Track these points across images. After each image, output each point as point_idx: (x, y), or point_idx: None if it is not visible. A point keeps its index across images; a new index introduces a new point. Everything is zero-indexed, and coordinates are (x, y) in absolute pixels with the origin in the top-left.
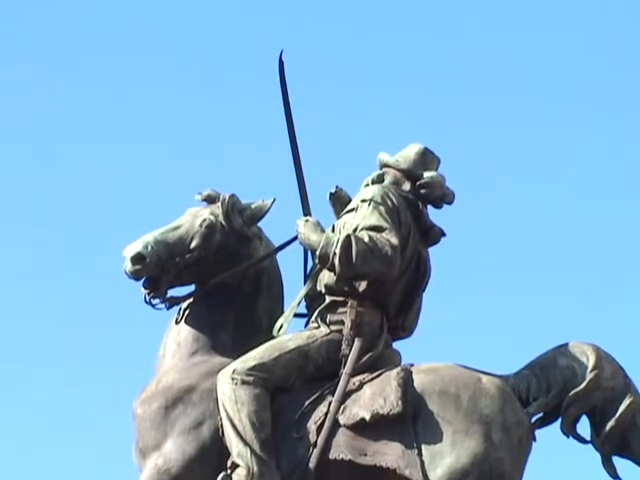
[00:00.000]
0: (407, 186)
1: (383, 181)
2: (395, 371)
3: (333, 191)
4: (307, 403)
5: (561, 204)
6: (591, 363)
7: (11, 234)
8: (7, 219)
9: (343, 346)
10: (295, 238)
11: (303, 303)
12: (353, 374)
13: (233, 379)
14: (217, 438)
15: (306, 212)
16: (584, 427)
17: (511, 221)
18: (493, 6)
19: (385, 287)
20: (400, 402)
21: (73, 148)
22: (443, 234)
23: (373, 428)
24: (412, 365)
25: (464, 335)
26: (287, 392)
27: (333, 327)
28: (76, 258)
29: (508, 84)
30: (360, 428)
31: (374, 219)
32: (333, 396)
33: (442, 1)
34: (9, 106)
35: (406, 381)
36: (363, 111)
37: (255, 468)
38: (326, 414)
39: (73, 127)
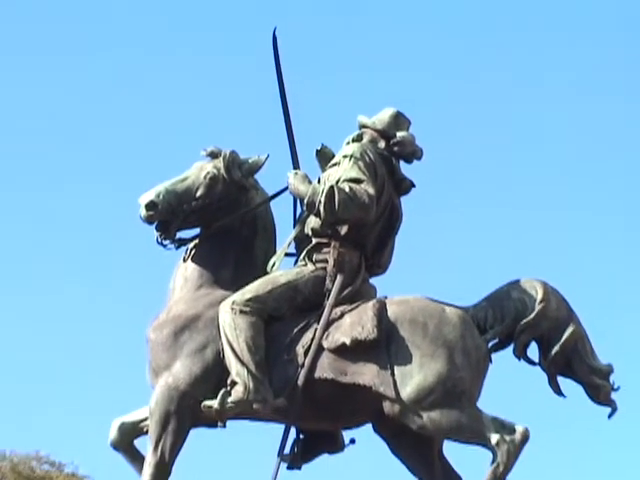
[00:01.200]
0: (382, 144)
1: (362, 140)
2: (371, 303)
3: (319, 148)
4: (296, 330)
5: (511, 158)
6: (539, 296)
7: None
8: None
9: (327, 281)
10: (286, 188)
11: (293, 244)
12: (335, 305)
13: (233, 309)
14: (219, 360)
15: (295, 166)
16: (533, 351)
17: (470, 174)
18: None
19: (363, 230)
20: (375, 329)
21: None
22: (413, 185)
23: (352, 352)
24: (386, 298)
25: (431, 272)
26: (279, 320)
27: (318, 265)
28: (100, 206)
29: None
30: (341, 351)
31: (354, 172)
32: (318, 324)
33: None
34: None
35: (381, 311)
36: (344, 80)
37: (251, 385)
38: (312, 339)
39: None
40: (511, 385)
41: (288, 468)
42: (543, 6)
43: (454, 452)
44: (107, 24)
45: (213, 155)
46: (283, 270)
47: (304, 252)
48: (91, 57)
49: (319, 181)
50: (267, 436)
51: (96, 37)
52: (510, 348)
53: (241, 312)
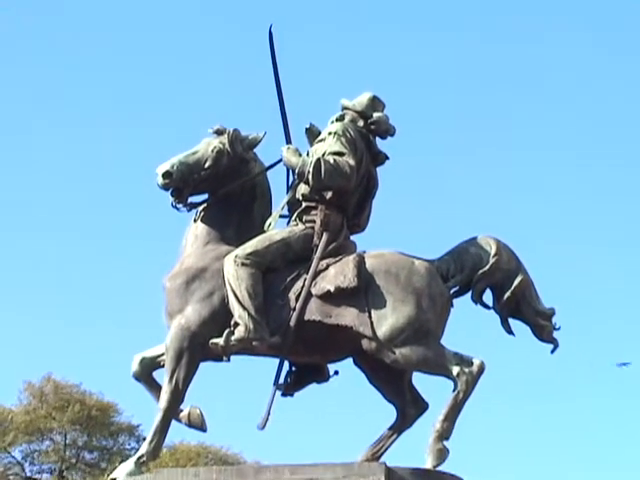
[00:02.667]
0: (361, 123)
1: (344, 119)
2: (352, 256)
3: (308, 127)
4: (288, 279)
5: (478, 135)
6: (493, 251)
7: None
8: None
9: (315, 238)
10: (280, 160)
11: (286, 207)
12: (322, 258)
13: (235, 262)
14: (224, 305)
15: (288, 141)
16: (488, 297)
17: (436, 143)
18: None
19: (345, 196)
20: (355, 278)
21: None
22: (387, 158)
23: (336, 297)
24: (364, 252)
25: (403, 230)
26: (274, 271)
27: (308, 225)
28: (122, 176)
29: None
30: (326, 297)
31: (337, 147)
32: (307, 274)
33: None
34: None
35: (360, 263)
36: (329, 66)
37: (251, 326)
38: (302, 287)
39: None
40: (470, 325)
41: (282, 395)
42: None
43: (421, 382)
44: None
45: (219, 132)
46: (278, 229)
47: (295, 214)
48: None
49: (308, 154)
50: (264, 369)
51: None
52: (469, 294)
53: (242, 264)
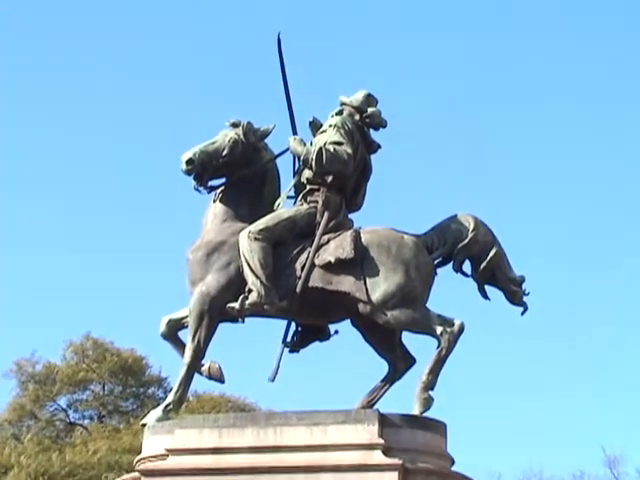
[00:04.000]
0: (357, 117)
1: (342, 114)
2: (350, 231)
3: (311, 120)
4: (295, 252)
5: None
6: (471, 227)
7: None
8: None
9: (317, 216)
10: (287, 149)
11: (292, 190)
12: (323, 234)
13: (249, 236)
14: (239, 274)
15: (294, 133)
16: (467, 267)
17: (420, 138)
18: None
19: (343, 179)
20: (353, 251)
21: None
22: (379, 147)
23: (336, 267)
24: (360, 228)
25: (394, 209)
26: (282, 245)
27: (311, 204)
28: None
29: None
30: (328, 267)
31: (337, 137)
32: (311, 247)
33: None
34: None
35: (356, 238)
36: (329, 67)
37: (262, 292)
38: (307, 259)
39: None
40: (451, 291)
41: (290, 352)
42: None
43: (409, 340)
44: None
45: (234, 125)
46: (286, 208)
47: (301, 195)
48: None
49: (311, 144)
50: (274, 329)
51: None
52: (450, 265)
53: (255, 239)
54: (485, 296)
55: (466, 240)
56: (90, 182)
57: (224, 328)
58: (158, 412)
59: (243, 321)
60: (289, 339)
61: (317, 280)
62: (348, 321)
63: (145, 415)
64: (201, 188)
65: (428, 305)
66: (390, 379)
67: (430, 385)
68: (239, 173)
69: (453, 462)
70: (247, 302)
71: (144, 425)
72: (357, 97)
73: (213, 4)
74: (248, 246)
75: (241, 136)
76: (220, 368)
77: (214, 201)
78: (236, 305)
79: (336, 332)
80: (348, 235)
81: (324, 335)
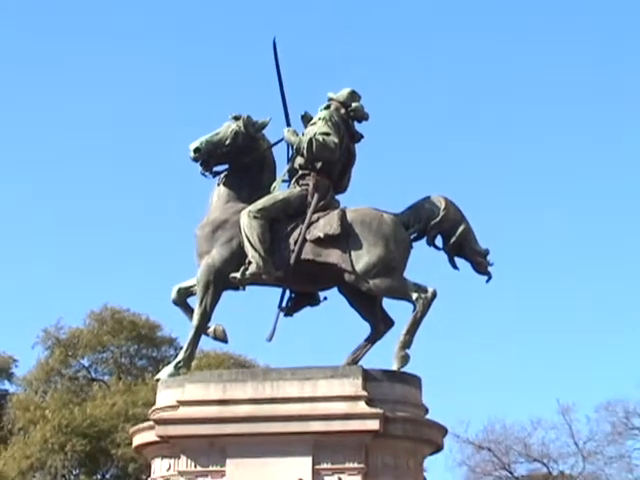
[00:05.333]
0: (343, 111)
1: (330, 108)
2: (336, 211)
3: (303, 114)
4: (289, 228)
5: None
6: (442, 206)
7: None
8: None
9: (308, 197)
10: (282, 139)
11: (287, 175)
12: (314, 213)
13: (249, 215)
14: (240, 248)
15: (288, 125)
16: (439, 242)
17: (399, 128)
18: None
19: (331, 165)
20: (339, 227)
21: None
22: (362, 137)
23: (325, 242)
24: (345, 207)
25: (374, 191)
26: (278, 223)
27: (303, 187)
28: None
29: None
30: (318, 242)
31: (325, 128)
32: (303, 224)
33: None
34: None
35: (342, 216)
36: (319, 66)
37: (261, 263)
38: (299, 234)
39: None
40: (425, 262)
41: (285, 315)
42: None
43: (389, 305)
44: None
45: (236, 118)
46: (281, 191)
47: (294, 179)
48: None
49: (303, 134)
50: (271, 296)
51: None
52: (424, 239)
53: (254, 217)
54: (454, 266)
55: (438, 218)
56: (111, 160)
57: (227, 295)
58: (170, 368)
59: (244, 289)
60: (284, 304)
61: (308, 253)
62: (335, 289)
63: (159, 371)
64: (207, 173)
65: (405, 274)
66: (372, 339)
67: (407, 344)
68: (240, 160)
69: (427, 411)
70: (247, 272)
71: (158, 380)
72: (343, 93)
73: (213, 4)
74: (248, 223)
75: (242, 128)
76: (224, 330)
77: (218, 184)
78: (238, 275)
79: (325, 298)
80: (335, 214)
81: (315, 301)
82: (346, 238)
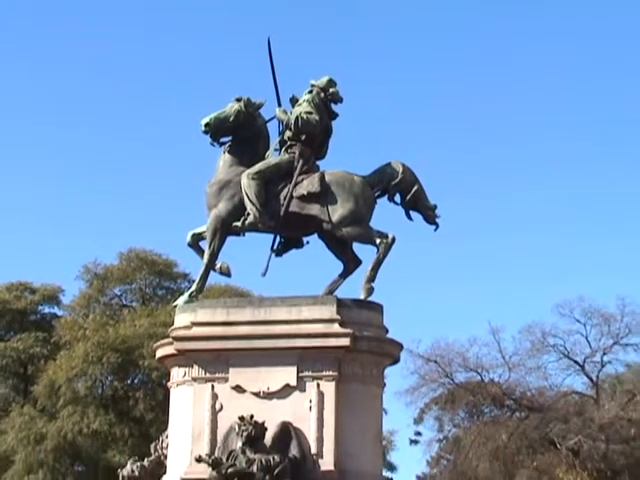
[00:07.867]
0: (322, 95)
1: (312, 92)
2: (317, 173)
3: (291, 97)
4: (279, 187)
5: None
6: (400, 170)
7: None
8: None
9: (295, 163)
10: (274, 117)
11: (278, 145)
12: (299, 175)
13: (248, 176)
14: (241, 202)
15: (280, 105)
16: (397, 198)
17: (374, 105)
18: None
19: (313, 138)
20: (319, 186)
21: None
22: (337, 115)
23: (307, 198)
24: (324, 171)
25: (347, 158)
26: (271, 182)
27: (291, 155)
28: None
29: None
30: (302, 198)
31: (309, 108)
32: (291, 184)
33: None
34: None
35: (322, 177)
36: (304, 58)
37: (257, 215)
38: (288, 192)
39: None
40: (386, 215)
41: (276, 256)
42: None
43: (358, 248)
44: None
45: (238, 99)
46: (273, 157)
47: (283, 149)
48: None
49: (291, 113)
50: (265, 240)
51: None
52: (385, 197)
53: (252, 178)
54: (410, 218)
55: (397, 179)
56: (136, 119)
57: (231, 240)
58: (185, 297)
59: (244, 235)
60: (275, 247)
61: (295, 207)
62: (316, 235)
63: (176, 299)
64: (215, 143)
65: (370, 224)
66: (344, 275)
67: (372, 278)
68: (241, 133)
69: (387, 331)
70: (246, 222)
71: (175, 306)
72: (323, 80)
73: (214, 4)
74: (247, 183)
75: (243, 107)
76: (228, 267)
77: (224, 152)
78: (239, 224)
79: (307, 242)
80: (316, 176)
81: (300, 244)
82: (325, 195)
